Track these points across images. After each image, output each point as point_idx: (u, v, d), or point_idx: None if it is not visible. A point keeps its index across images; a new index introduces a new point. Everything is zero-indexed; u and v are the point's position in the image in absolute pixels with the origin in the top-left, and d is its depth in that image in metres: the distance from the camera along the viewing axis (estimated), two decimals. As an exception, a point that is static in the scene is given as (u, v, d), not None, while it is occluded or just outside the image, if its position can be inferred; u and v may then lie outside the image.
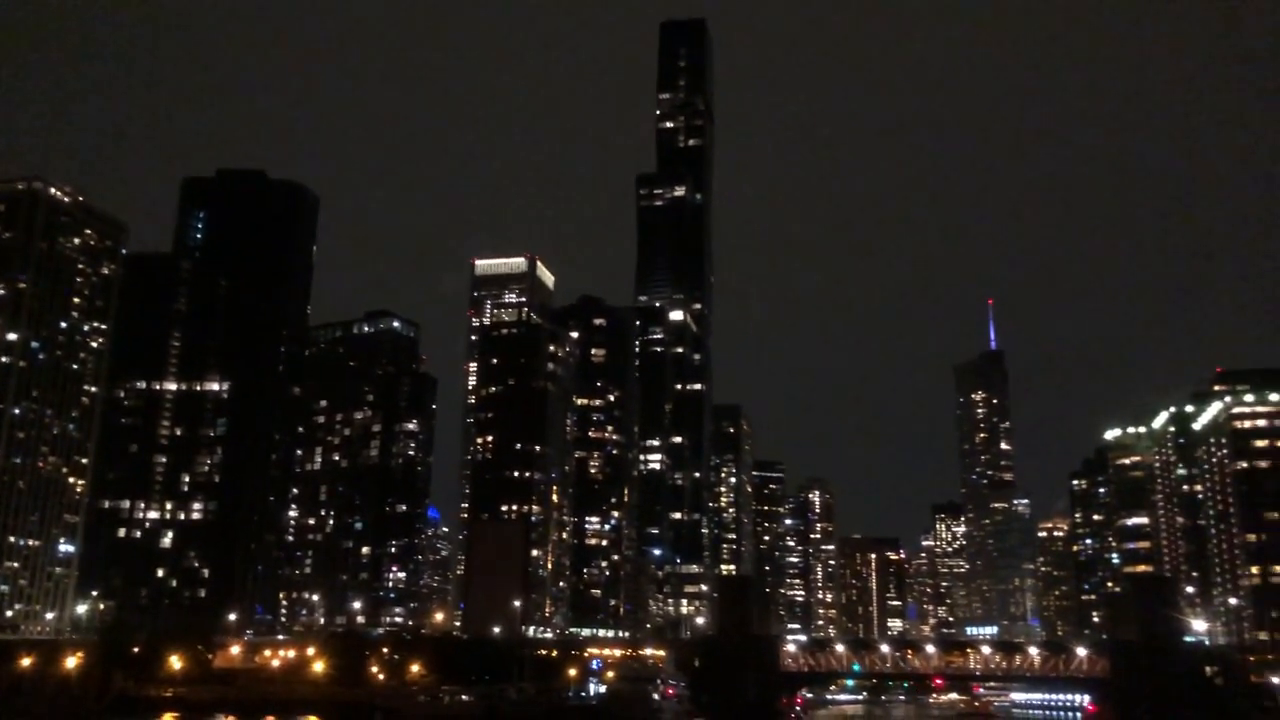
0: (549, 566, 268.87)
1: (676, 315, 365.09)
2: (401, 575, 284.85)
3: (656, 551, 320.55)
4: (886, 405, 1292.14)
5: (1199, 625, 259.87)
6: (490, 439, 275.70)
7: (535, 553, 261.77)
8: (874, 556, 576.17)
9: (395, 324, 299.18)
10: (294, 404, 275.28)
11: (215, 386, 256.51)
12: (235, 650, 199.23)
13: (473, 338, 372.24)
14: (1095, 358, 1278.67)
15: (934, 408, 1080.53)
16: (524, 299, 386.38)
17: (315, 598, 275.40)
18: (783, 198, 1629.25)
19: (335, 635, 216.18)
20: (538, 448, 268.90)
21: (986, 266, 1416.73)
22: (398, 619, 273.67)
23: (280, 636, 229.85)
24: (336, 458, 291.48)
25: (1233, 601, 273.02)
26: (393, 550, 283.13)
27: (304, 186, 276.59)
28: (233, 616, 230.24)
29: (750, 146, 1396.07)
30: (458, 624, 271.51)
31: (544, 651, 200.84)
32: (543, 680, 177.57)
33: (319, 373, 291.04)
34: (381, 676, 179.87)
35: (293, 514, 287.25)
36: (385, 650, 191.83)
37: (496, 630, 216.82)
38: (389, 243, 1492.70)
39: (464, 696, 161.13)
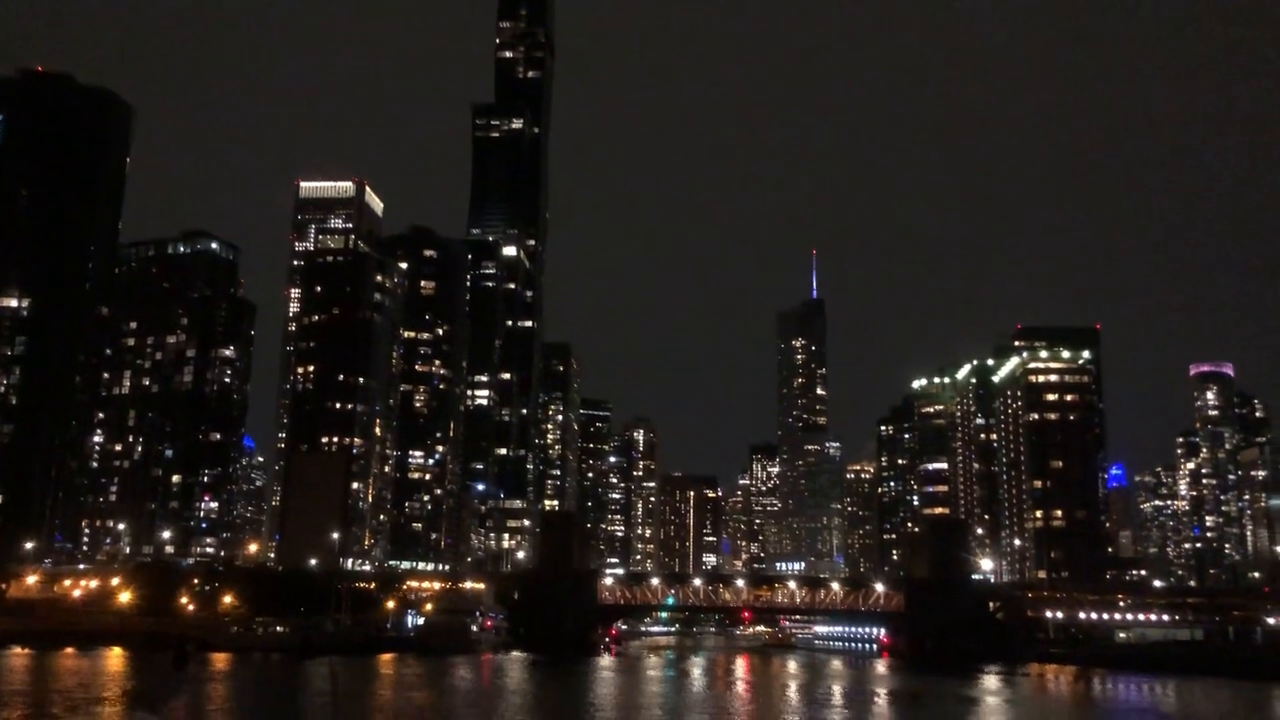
0: (369, 499, 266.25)
1: (510, 251, 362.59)
2: (214, 505, 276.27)
3: (480, 486, 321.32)
4: (712, 348, 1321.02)
5: (986, 564, 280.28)
6: (311, 369, 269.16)
7: (355, 485, 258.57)
8: (693, 494, 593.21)
9: (213, 245, 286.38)
10: (101, 325, 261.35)
11: (14, 303, 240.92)
12: (32, 580, 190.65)
13: (295, 263, 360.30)
14: (909, 310, 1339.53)
15: (756, 352, 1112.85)
16: (351, 225, 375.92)
17: (121, 527, 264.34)
18: (620, 137, 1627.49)
19: (143, 565, 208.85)
20: (361, 380, 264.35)
21: (812, 217, 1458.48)
22: (209, 550, 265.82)
23: (82, 566, 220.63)
24: (147, 382, 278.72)
25: (1017, 543, 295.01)
26: (205, 480, 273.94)
27: (116, 95, 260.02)
28: (30, 545, 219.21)
29: (590, 84, 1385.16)
30: (272, 556, 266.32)
31: (362, 584, 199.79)
32: (360, 613, 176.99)
33: (130, 293, 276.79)
34: (192, 608, 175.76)
35: (98, 440, 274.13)
36: (196, 581, 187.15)
37: (313, 562, 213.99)
38: (208, 159, 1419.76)
39: (278, 628, 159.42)
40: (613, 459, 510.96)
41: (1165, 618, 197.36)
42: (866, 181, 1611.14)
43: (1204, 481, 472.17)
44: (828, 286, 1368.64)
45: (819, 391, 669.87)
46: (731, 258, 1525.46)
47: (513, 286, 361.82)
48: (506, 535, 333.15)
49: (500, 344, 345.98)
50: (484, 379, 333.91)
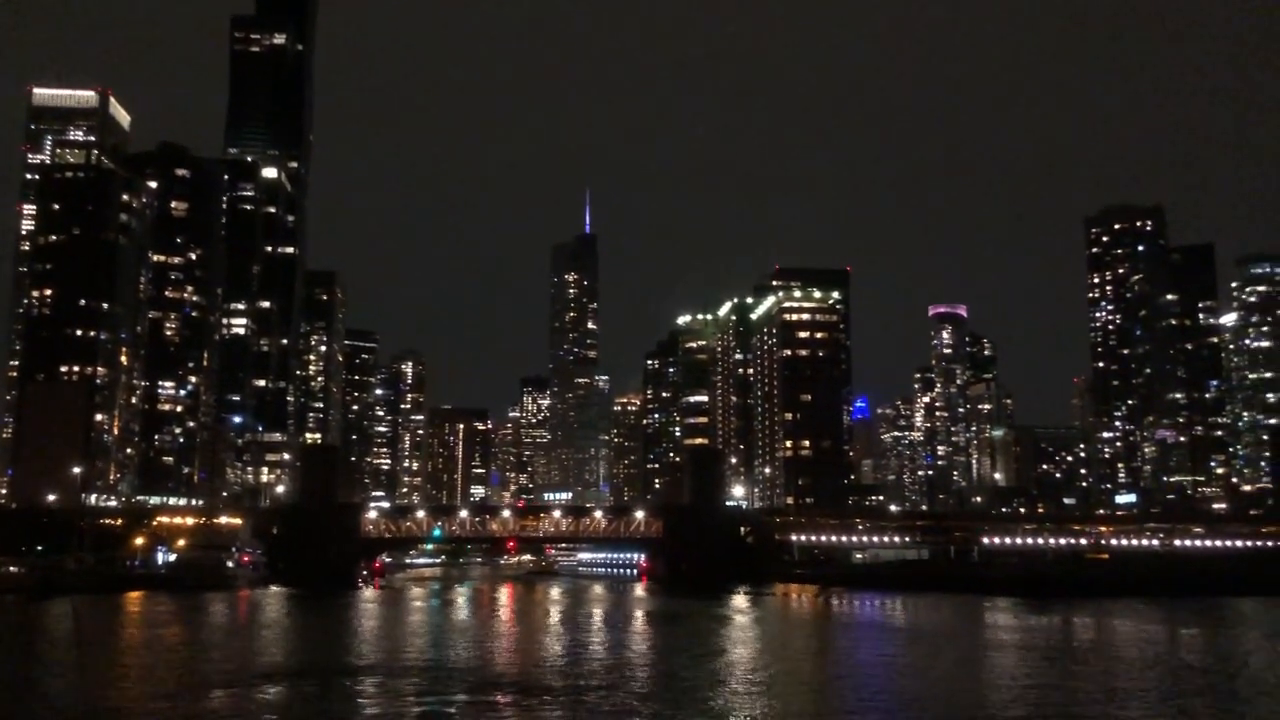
0: (115, 432, 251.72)
1: (270, 172, 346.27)
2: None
3: (237, 419, 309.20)
4: (485, 281, 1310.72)
5: (739, 491, 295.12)
6: (49, 292, 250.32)
7: (99, 417, 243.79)
8: (462, 427, 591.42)
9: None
10: None
11: None
12: None
13: (29, 177, 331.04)
14: (679, 248, 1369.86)
15: (530, 285, 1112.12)
16: (94, 139, 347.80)
17: None
18: (392, 59, 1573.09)
19: None
20: (105, 305, 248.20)
21: (587, 151, 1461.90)
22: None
23: None
24: None
25: (768, 471, 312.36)
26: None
27: None
28: None
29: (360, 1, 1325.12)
30: (3, 492, 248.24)
31: (108, 521, 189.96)
32: (106, 550, 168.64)
33: None
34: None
35: None
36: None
37: (52, 498, 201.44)
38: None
39: (13, 568, 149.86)
40: (379, 391, 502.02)
41: (898, 539, 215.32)
42: (641, 117, 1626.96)
43: (937, 414, 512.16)
44: (601, 222, 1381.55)
45: (590, 326, 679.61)
46: (506, 189, 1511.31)
47: (273, 210, 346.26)
48: (265, 469, 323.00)
49: (259, 270, 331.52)
50: (241, 307, 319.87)
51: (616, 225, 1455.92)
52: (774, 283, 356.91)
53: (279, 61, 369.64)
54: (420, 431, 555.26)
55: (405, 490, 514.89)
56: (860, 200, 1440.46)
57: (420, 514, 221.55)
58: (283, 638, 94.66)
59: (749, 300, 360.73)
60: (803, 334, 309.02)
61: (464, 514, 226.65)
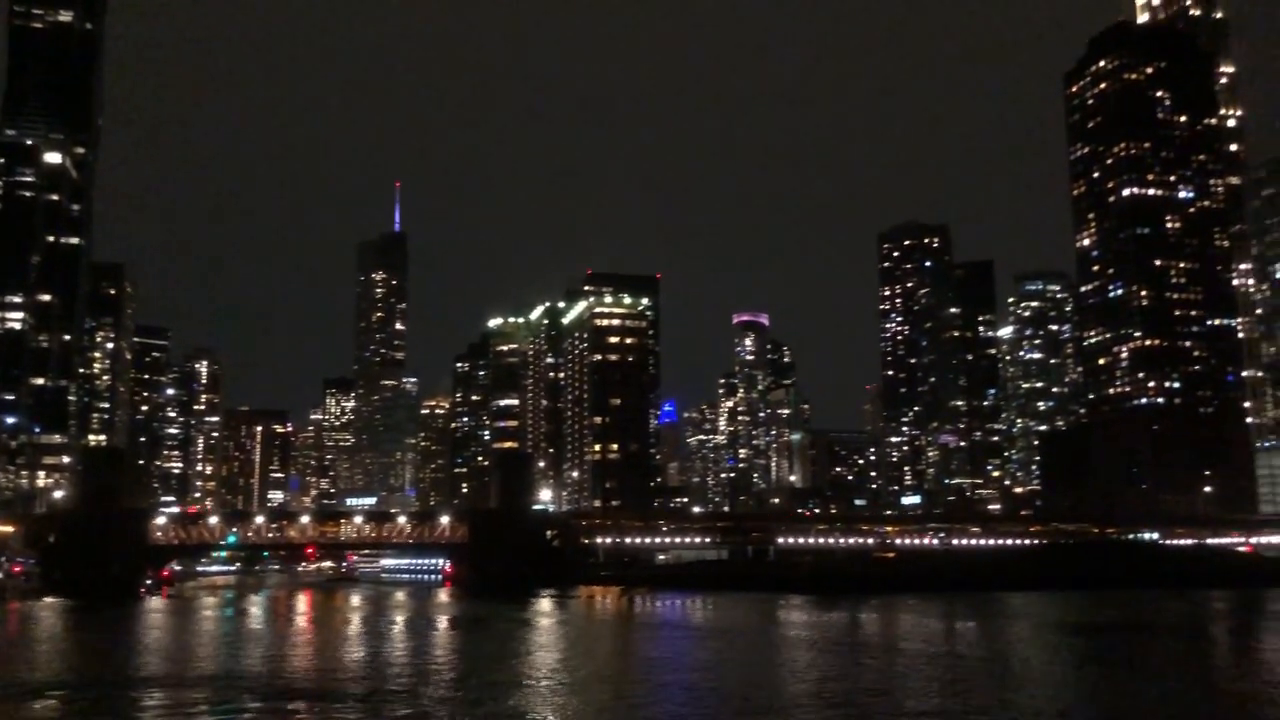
0: None
1: (53, 157, 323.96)
2: None
3: (11, 419, 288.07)
4: (288, 278, 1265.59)
5: (546, 495, 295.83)
6: None
7: None
8: (260, 429, 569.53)
9: None
10: None
11: None
12: None
13: None
14: (492, 249, 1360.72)
15: (336, 284, 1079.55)
16: None
17: None
18: (191, 45, 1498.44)
19: None
20: None
21: (399, 148, 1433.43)
22: None
23: None
24: None
25: (576, 474, 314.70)
26: None
27: None
28: None
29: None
30: None
31: None
32: None
33: None
34: None
35: None
36: None
37: None
38: None
39: None
40: (171, 391, 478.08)
41: (700, 540, 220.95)
42: (455, 116, 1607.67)
43: (740, 418, 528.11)
44: (412, 221, 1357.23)
45: (398, 326, 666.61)
46: (313, 183, 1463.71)
47: (56, 198, 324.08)
48: (42, 473, 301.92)
49: (39, 261, 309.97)
50: (18, 300, 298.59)
51: (428, 225, 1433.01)
52: (586, 287, 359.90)
53: (65, 39, 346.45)
54: (215, 434, 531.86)
55: (198, 495, 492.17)
56: (671, 209, 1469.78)
57: (213, 520, 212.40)
58: (57, 651, 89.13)
59: (561, 304, 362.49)
60: (613, 339, 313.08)
61: (260, 519, 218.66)
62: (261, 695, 55.30)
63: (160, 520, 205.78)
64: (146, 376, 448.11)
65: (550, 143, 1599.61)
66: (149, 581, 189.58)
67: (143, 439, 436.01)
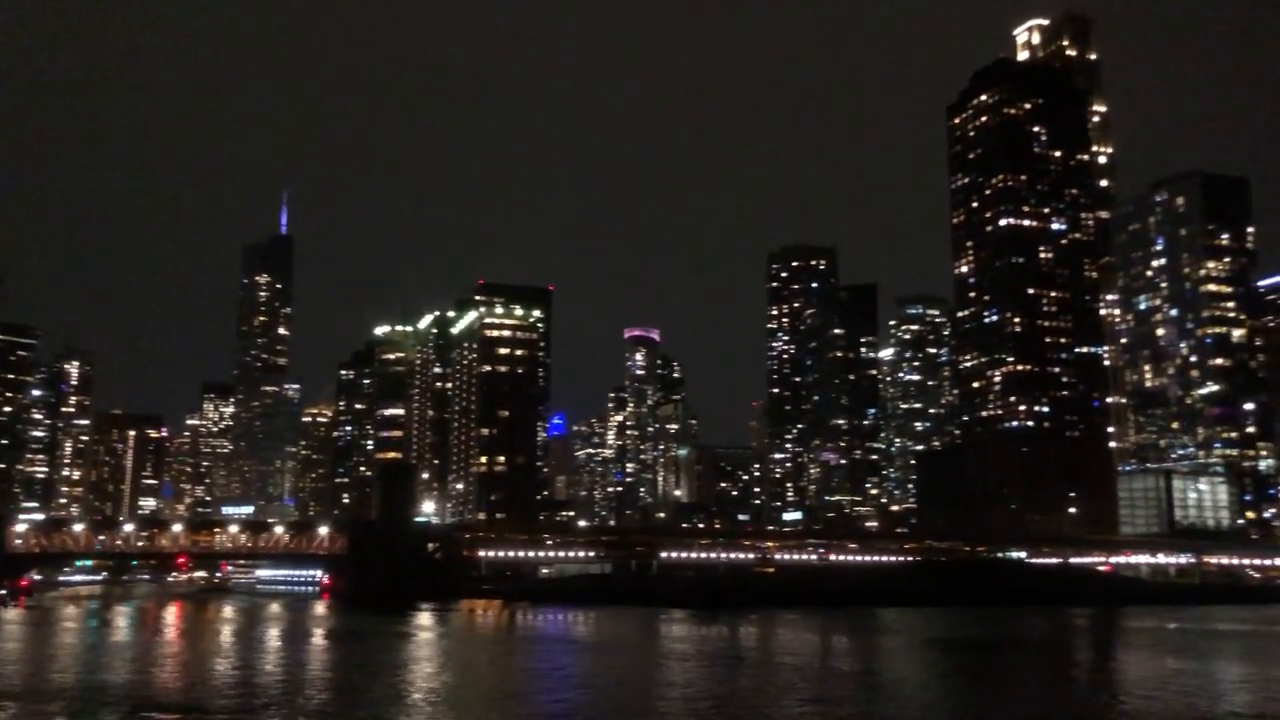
0: None
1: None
2: None
3: None
4: (166, 278, 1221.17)
5: (429, 506, 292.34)
6: None
7: None
8: (133, 433, 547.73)
9: None
10: None
11: None
12: None
13: None
14: (380, 255, 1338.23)
15: (217, 286, 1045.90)
16: None
17: None
18: (69, 33, 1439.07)
19: None
20: None
21: (286, 150, 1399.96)
22: None
23: None
24: None
25: (460, 486, 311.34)
26: None
27: None
28: None
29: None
30: None
31: None
32: None
33: None
34: None
35: None
36: None
37: None
38: None
39: None
40: (36, 392, 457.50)
41: (584, 554, 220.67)
42: (346, 119, 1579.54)
43: (629, 432, 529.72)
44: (299, 225, 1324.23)
45: (281, 331, 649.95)
46: (196, 182, 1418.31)
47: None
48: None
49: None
50: None
51: (316, 229, 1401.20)
52: (476, 297, 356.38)
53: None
54: (84, 438, 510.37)
55: (64, 501, 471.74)
56: (565, 222, 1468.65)
57: (78, 527, 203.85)
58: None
59: (450, 313, 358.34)
60: (503, 350, 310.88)
61: (129, 527, 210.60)
62: (122, 710, 53.54)
63: (20, 526, 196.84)
64: (11, 376, 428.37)
65: (444, 152, 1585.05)
66: (4, 591, 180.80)
67: (4, 442, 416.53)
